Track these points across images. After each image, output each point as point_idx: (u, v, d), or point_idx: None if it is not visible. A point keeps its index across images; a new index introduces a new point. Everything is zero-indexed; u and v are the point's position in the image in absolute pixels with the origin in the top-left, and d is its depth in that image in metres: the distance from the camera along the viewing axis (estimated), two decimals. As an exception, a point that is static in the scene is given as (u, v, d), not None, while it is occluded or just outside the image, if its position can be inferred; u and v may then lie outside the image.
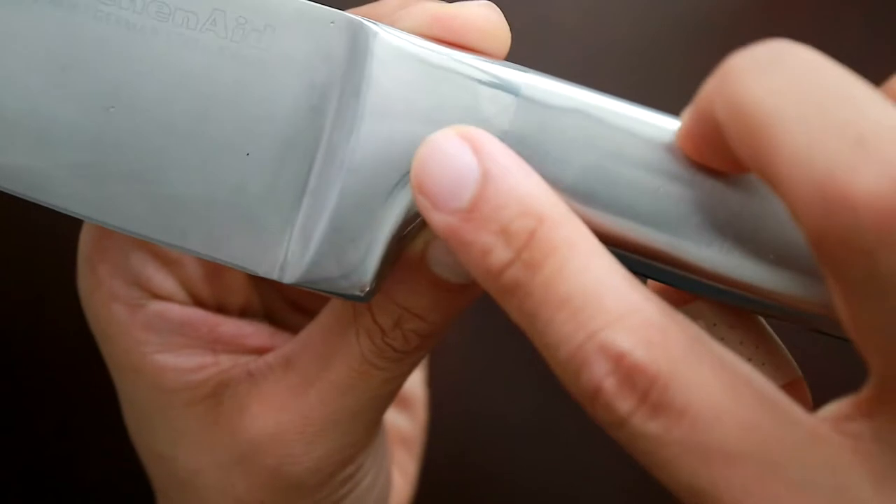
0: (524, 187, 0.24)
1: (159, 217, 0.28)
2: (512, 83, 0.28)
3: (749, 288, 0.26)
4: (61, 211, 0.29)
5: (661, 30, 0.57)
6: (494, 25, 0.28)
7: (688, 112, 0.25)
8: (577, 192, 0.27)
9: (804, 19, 0.54)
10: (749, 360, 0.27)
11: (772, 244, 0.26)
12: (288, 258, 0.28)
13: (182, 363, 0.31)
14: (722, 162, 0.25)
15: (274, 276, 0.28)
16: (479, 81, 0.28)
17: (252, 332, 0.32)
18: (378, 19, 0.29)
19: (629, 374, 0.22)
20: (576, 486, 0.57)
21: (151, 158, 0.28)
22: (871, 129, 0.21)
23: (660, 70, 0.55)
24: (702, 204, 0.26)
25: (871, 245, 0.20)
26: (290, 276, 0.28)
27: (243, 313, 0.34)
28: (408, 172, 0.27)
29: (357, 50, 0.28)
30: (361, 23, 0.28)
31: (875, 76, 0.51)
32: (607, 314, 0.22)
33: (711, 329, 0.27)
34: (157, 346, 0.31)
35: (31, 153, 0.28)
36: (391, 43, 0.28)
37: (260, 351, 0.32)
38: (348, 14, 0.28)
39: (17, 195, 0.29)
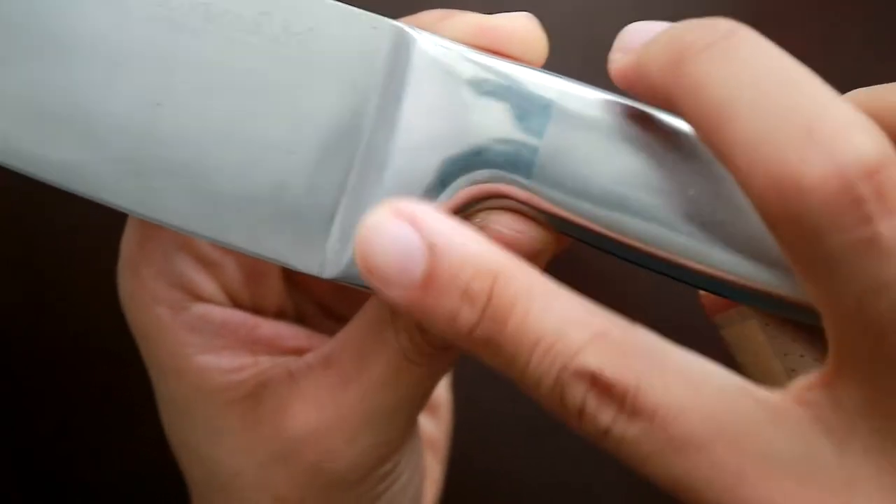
0: (472, 250, 0.25)
1: (203, 212, 0.29)
2: (549, 90, 0.28)
3: (780, 294, 0.27)
4: (107, 205, 0.29)
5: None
6: (534, 35, 0.29)
7: (625, 58, 0.27)
8: (609, 199, 0.28)
9: (804, 20, 0.55)
10: (801, 356, 0.28)
11: None
12: (327, 254, 0.29)
13: (223, 364, 0.31)
14: (654, 102, 0.27)
15: (314, 271, 0.29)
16: (518, 89, 0.28)
17: (290, 333, 0.33)
18: (419, 27, 0.29)
19: (605, 389, 0.24)
20: (584, 482, 0.57)
21: (196, 155, 0.29)
22: (820, 119, 0.23)
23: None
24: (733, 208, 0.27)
25: (820, 228, 0.22)
26: (329, 272, 0.29)
27: (278, 316, 0.34)
28: (445, 173, 0.28)
29: (398, 55, 0.29)
30: (403, 29, 0.29)
31: (876, 76, 0.51)
32: (575, 343, 0.24)
33: (764, 329, 0.28)
34: (199, 348, 0.32)
35: (79, 148, 0.29)
36: (432, 49, 0.29)
37: (298, 352, 0.33)
38: (390, 20, 0.29)
39: (65, 189, 0.29)
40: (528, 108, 0.28)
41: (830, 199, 0.22)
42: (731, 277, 0.27)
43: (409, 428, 0.32)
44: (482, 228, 0.29)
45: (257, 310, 0.33)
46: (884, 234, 0.22)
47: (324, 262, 0.29)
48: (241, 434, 0.31)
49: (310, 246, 0.29)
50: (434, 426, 0.40)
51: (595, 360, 0.24)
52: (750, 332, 0.28)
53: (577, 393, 0.24)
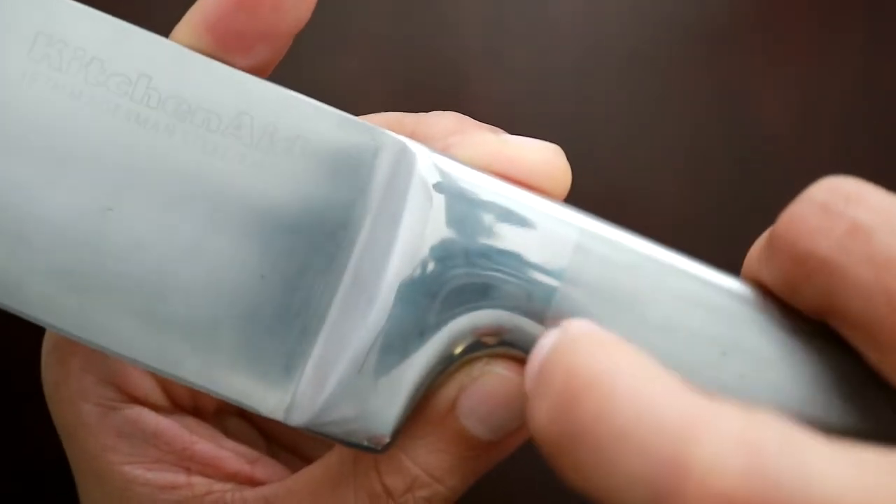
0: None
1: (152, 340, 0.25)
2: (571, 227, 0.25)
3: None
4: (35, 322, 0.25)
5: (664, 34, 0.56)
6: (559, 172, 0.26)
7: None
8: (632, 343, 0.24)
9: (804, 20, 0.53)
10: None
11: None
12: (297, 398, 0.25)
13: (152, 479, 0.28)
14: None
15: (279, 416, 0.25)
16: (534, 222, 0.25)
17: (230, 455, 0.29)
18: (427, 139, 0.26)
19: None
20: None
21: (149, 272, 0.25)
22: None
23: (661, 75, 0.54)
24: (765, 372, 0.24)
25: None
26: (297, 419, 0.25)
27: (219, 411, 0.31)
28: (447, 310, 0.25)
29: (398, 173, 0.25)
30: (405, 144, 0.25)
31: (876, 76, 0.50)
32: (677, 432, 0.19)
33: None
34: (128, 456, 0.28)
35: (5, 253, 0.25)
36: (438, 171, 0.25)
37: (237, 477, 0.29)
38: (391, 133, 0.25)
39: None
40: (546, 245, 0.24)
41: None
42: None
43: None
44: (482, 376, 0.25)
45: (197, 407, 0.30)
46: None
47: (291, 406, 0.25)
48: None
49: (276, 387, 0.25)
50: None
51: (715, 455, 0.18)
52: None
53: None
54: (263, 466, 0.29)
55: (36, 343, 0.57)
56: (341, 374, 0.25)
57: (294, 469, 0.28)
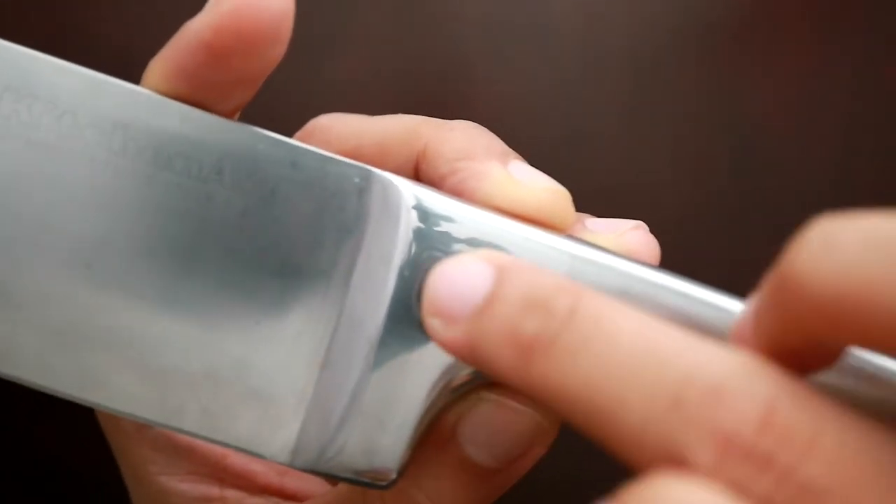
0: (544, 273, 0.21)
1: (148, 393, 0.25)
2: (561, 254, 0.25)
3: None
4: (27, 385, 0.25)
5: (664, 32, 0.56)
6: (560, 213, 0.26)
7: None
8: None
9: (803, 18, 0.53)
10: None
11: None
12: (300, 440, 0.25)
13: (187, 490, 0.29)
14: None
15: (283, 460, 0.25)
16: (525, 252, 0.25)
17: (261, 469, 0.30)
18: (437, 156, 0.26)
19: (748, 454, 0.18)
20: (591, 477, 0.57)
21: (141, 324, 0.24)
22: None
23: (661, 73, 0.54)
24: None
25: None
26: (302, 461, 0.25)
27: None
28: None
29: (386, 211, 0.25)
30: (390, 181, 0.25)
31: (876, 75, 0.50)
32: (693, 365, 0.19)
33: None
34: (163, 468, 0.29)
35: None
36: (424, 208, 0.25)
37: (267, 490, 0.30)
38: (376, 170, 0.25)
39: None
40: None
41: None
42: None
43: None
44: (479, 402, 0.26)
45: None
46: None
47: (296, 449, 0.25)
48: None
49: (278, 430, 0.25)
50: None
51: (732, 420, 0.18)
52: None
53: (703, 453, 0.18)
54: (292, 478, 0.30)
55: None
56: (343, 413, 0.25)
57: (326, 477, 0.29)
